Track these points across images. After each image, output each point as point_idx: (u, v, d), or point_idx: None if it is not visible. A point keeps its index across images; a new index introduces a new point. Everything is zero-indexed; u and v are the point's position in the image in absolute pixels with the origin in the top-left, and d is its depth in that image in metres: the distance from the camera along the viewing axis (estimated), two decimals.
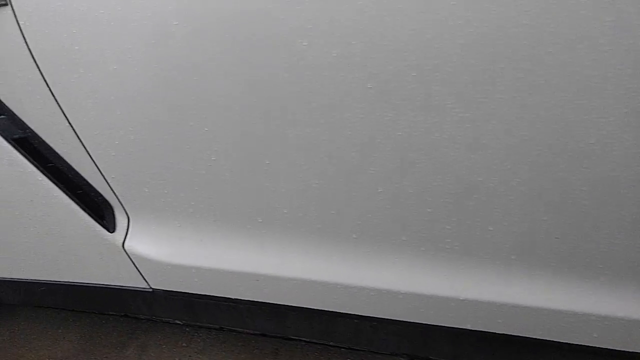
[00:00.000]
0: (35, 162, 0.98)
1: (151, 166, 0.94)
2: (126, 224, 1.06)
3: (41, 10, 0.82)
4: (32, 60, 0.87)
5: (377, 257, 0.90)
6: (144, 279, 1.10)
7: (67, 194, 1.01)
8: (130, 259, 1.08)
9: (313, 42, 0.71)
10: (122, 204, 1.03)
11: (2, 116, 0.96)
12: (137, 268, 1.09)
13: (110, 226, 1.05)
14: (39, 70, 0.88)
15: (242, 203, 0.93)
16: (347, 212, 0.86)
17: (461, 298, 0.89)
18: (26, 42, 0.86)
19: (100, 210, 1.05)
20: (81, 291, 1.18)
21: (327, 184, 0.84)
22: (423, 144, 0.75)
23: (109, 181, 1.00)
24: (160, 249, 1.05)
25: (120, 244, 1.06)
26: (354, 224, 0.87)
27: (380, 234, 0.87)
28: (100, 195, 1.03)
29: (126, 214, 1.05)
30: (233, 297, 1.05)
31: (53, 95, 0.91)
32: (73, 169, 1.01)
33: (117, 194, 1.02)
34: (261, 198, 0.91)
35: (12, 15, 0.84)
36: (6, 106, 0.95)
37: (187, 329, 1.41)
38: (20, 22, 0.84)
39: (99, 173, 0.99)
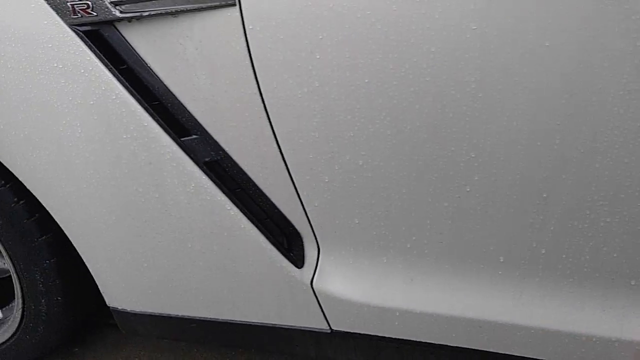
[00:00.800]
0: (225, 190, 0.85)
1: (374, 195, 0.80)
2: (315, 258, 0.92)
3: (280, 11, 0.68)
4: (251, 71, 0.73)
5: None
6: (326, 319, 0.96)
7: (256, 225, 0.87)
8: (316, 298, 0.93)
9: None
10: (315, 236, 0.89)
11: (195, 136, 0.82)
12: (320, 307, 0.95)
13: (299, 261, 0.92)
14: (257, 83, 0.74)
15: (483, 240, 0.79)
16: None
17: None
18: (249, 50, 0.72)
19: (288, 242, 0.91)
20: (240, 329, 1.05)
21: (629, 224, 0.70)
22: None
23: (307, 210, 0.86)
24: (356, 287, 0.91)
25: (309, 281, 0.92)
26: None
27: None
28: (291, 225, 0.89)
29: (317, 246, 0.90)
30: (439, 342, 0.92)
31: (267, 113, 0.76)
32: (265, 196, 0.87)
33: (313, 224, 0.87)
34: (514, 236, 0.77)
35: (239, 18, 0.70)
36: (200, 124, 0.81)
37: None
38: (248, 26, 0.70)
39: (298, 201, 0.85)
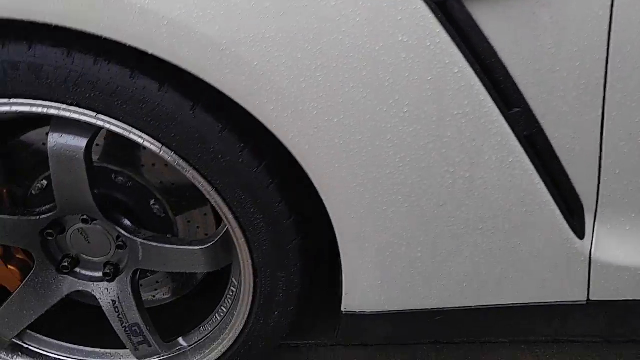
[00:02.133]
0: (537, 164, 0.83)
1: None
2: (591, 228, 0.93)
3: None
4: (605, 37, 0.74)
5: None
6: (588, 290, 0.98)
7: (555, 199, 0.87)
8: (589, 268, 0.95)
9: None
10: (597, 205, 0.91)
11: (517, 109, 0.80)
12: (589, 278, 0.96)
13: (580, 232, 0.92)
14: (608, 49, 0.75)
15: None
16: None
17: None
18: (610, 18, 0.73)
19: (572, 215, 0.91)
20: (492, 314, 1.02)
21: None
22: None
23: (602, 180, 0.87)
24: (632, 253, 0.94)
25: (587, 252, 0.93)
26: None
27: None
28: (578, 198, 0.90)
29: (594, 216, 0.92)
30: None
31: (605, 81, 0.77)
32: (563, 170, 0.87)
33: (601, 194, 0.89)
34: None
35: None
36: (524, 97, 0.80)
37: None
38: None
39: (597, 172, 0.86)
